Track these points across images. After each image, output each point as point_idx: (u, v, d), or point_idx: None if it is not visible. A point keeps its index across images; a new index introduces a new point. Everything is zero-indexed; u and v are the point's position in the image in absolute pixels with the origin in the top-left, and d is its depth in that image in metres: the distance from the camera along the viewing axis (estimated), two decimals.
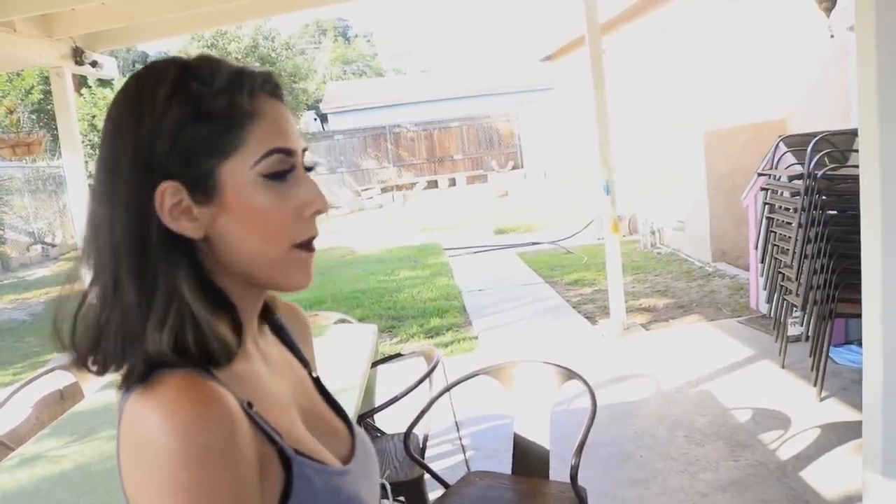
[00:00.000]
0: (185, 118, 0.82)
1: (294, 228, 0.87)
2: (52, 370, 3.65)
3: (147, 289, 0.80)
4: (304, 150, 0.92)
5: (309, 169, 0.92)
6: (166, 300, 0.80)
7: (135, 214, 0.81)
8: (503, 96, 26.48)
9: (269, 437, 0.83)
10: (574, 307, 7.45)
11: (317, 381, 1.09)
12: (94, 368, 0.83)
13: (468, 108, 26.15)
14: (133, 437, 0.76)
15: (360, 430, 1.07)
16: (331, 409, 1.06)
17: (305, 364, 1.08)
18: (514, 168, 24.42)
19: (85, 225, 0.85)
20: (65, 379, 3.56)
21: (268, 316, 1.04)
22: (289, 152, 0.87)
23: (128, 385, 0.79)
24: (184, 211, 0.83)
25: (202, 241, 0.85)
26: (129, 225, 0.81)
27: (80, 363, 0.83)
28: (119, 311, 0.80)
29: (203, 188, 0.83)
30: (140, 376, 0.78)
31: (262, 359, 0.95)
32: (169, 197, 0.81)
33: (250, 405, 0.83)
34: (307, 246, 0.89)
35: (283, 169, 0.86)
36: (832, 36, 5.15)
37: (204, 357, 0.81)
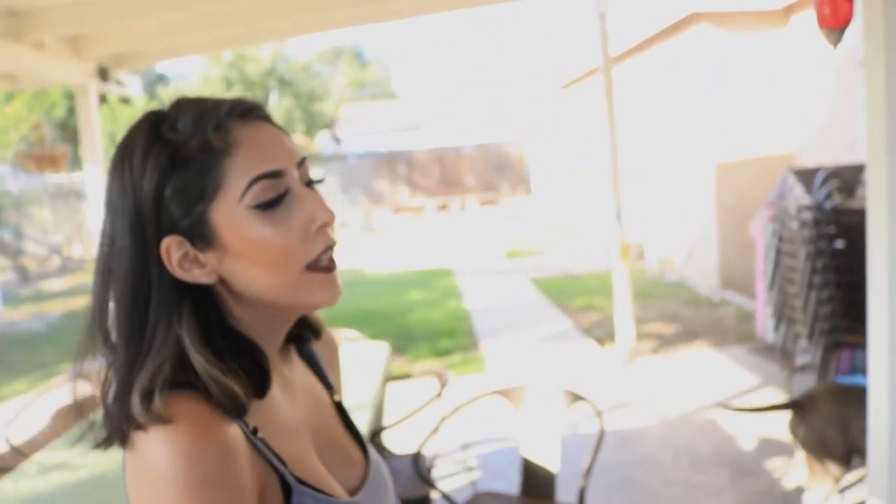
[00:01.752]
0: (163, 172, 0.81)
1: (302, 249, 0.83)
2: (69, 380, 3.72)
3: (143, 348, 0.81)
4: (302, 161, 0.87)
5: (313, 182, 0.89)
6: (164, 358, 0.80)
7: (132, 281, 0.82)
8: (514, 122, 26.66)
9: (272, 465, 0.82)
10: (582, 332, 7.49)
11: (338, 406, 1.07)
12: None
13: (479, 132, 26.34)
14: (136, 457, 0.76)
15: (376, 459, 1.05)
16: (349, 436, 1.05)
17: (329, 388, 1.07)
18: (524, 193, 24.53)
19: (93, 286, 0.86)
20: (81, 389, 3.63)
21: (297, 339, 1.02)
22: (275, 174, 0.83)
23: (112, 440, 0.80)
24: (192, 261, 0.82)
25: (218, 284, 0.85)
26: (126, 293, 0.82)
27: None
28: (115, 370, 0.82)
29: (200, 235, 0.82)
30: (122, 438, 0.78)
31: (281, 383, 0.94)
32: (175, 251, 0.82)
33: (255, 431, 0.83)
34: (323, 266, 0.85)
35: (273, 195, 0.83)
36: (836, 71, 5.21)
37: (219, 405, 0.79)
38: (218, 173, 0.81)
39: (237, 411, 0.80)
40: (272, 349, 0.91)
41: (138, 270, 0.82)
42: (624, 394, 5.44)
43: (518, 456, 2.88)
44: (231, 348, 0.84)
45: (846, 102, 6.91)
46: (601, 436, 2.67)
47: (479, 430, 4.65)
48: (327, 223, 0.85)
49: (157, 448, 0.74)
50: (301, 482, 0.84)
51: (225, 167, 0.82)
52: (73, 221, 19.09)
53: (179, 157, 0.81)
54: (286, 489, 0.83)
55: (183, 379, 0.79)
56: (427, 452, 3.00)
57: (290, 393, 0.95)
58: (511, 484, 3.07)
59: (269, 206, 0.82)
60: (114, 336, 0.83)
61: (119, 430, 0.78)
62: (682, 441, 4.48)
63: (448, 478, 4.14)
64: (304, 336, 1.02)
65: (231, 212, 0.82)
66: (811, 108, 7.74)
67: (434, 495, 2.93)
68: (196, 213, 0.82)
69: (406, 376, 3.82)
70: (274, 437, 0.85)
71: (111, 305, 0.84)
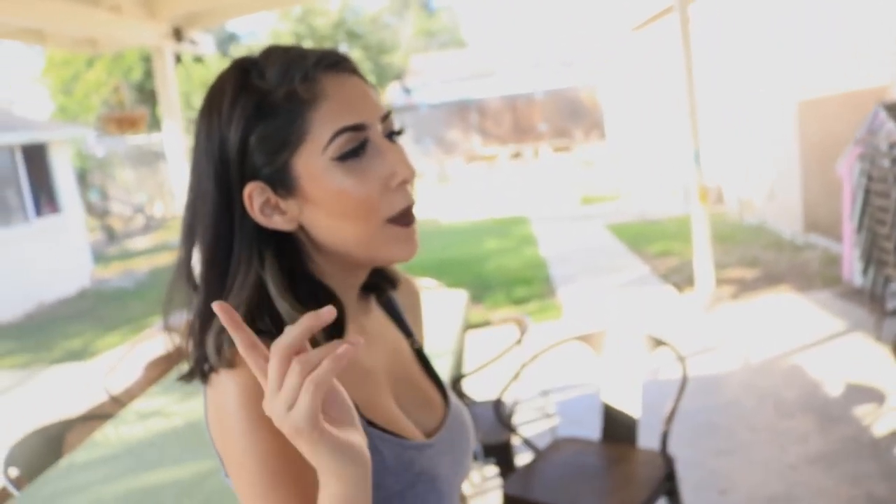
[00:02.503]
0: (249, 120, 0.82)
1: (383, 203, 0.85)
2: (159, 332, 3.88)
3: (224, 291, 0.84)
4: (386, 116, 0.88)
5: (395, 134, 0.89)
6: (249, 302, 0.83)
7: (214, 225, 0.85)
8: (586, 66, 26.11)
9: None
10: (660, 277, 7.39)
11: (418, 352, 1.09)
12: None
13: (551, 78, 25.89)
14: (211, 396, 0.81)
15: (456, 403, 1.06)
16: (429, 380, 1.06)
17: (409, 334, 1.08)
18: (598, 138, 24.13)
19: (181, 231, 0.89)
20: (172, 340, 3.77)
21: (376, 288, 1.03)
22: (358, 127, 0.84)
23: (193, 377, 0.84)
24: (274, 207, 0.84)
25: (299, 231, 0.87)
26: (209, 237, 0.85)
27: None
28: (196, 312, 0.85)
29: (282, 183, 0.84)
30: (202, 375, 0.82)
31: (358, 330, 0.96)
32: (257, 197, 0.84)
33: None
34: (402, 219, 0.87)
35: (354, 147, 0.83)
36: None
37: None
38: (302, 123, 0.82)
39: None
40: (349, 297, 0.93)
41: (221, 214, 0.84)
42: (705, 339, 5.37)
43: (598, 402, 2.87)
44: (309, 295, 0.86)
45: None
46: (684, 381, 2.64)
47: (559, 376, 4.67)
48: (407, 180, 0.86)
49: (224, 389, 0.79)
50: (372, 424, 0.87)
51: (310, 118, 0.82)
52: (155, 181, 19.69)
53: (267, 105, 0.82)
54: None
55: (258, 326, 0.82)
56: (507, 399, 3.03)
57: (366, 339, 0.96)
58: (590, 430, 3.07)
59: (351, 158, 0.83)
60: (198, 278, 0.86)
61: (198, 368, 0.83)
62: (767, 386, 4.41)
63: (528, 424, 4.18)
64: (381, 286, 1.03)
65: (314, 162, 0.83)
66: None
67: (515, 441, 2.97)
68: (280, 161, 0.83)
69: (485, 324, 3.85)
70: (347, 380, 0.86)
71: (200, 243, 0.87)
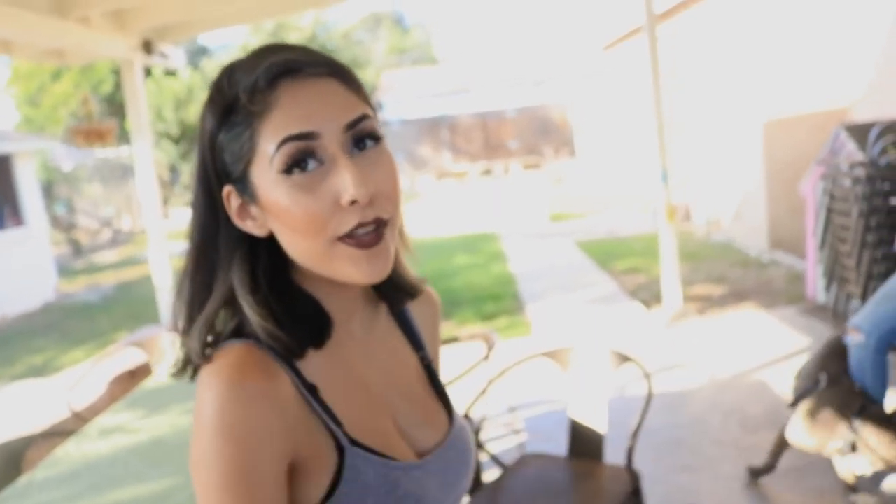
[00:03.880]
0: (214, 128, 0.82)
1: (333, 220, 0.79)
2: (125, 347, 3.83)
3: (205, 288, 0.85)
4: (353, 123, 0.81)
5: (369, 139, 0.83)
6: (219, 300, 0.84)
7: (201, 220, 0.86)
8: (557, 84, 26.35)
9: (327, 425, 0.83)
10: (629, 294, 7.44)
11: (428, 368, 1.04)
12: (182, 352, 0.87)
13: (522, 95, 26.08)
14: (196, 395, 0.80)
15: (461, 424, 1.01)
16: (436, 398, 1.02)
17: (420, 348, 1.04)
18: (568, 155, 24.33)
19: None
20: (136, 357, 3.74)
21: (391, 294, 0.99)
22: (304, 136, 0.78)
23: (184, 369, 0.86)
24: (247, 212, 0.84)
25: (273, 237, 0.85)
26: (197, 231, 0.86)
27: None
28: (183, 303, 0.86)
29: (246, 190, 0.83)
30: (197, 359, 0.83)
31: (357, 341, 0.93)
32: (233, 199, 0.84)
33: (314, 389, 0.84)
34: (354, 239, 0.81)
35: (299, 158, 0.78)
36: None
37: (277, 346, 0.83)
38: (252, 135, 0.80)
39: (286, 355, 0.83)
40: (338, 306, 0.89)
41: (207, 213, 0.86)
42: (671, 356, 5.41)
43: (565, 418, 2.89)
44: (285, 299, 0.86)
45: None
46: (649, 397, 2.66)
47: (527, 392, 4.68)
48: (357, 199, 0.79)
49: (203, 388, 0.79)
50: (356, 443, 0.85)
51: (260, 129, 0.80)
52: (122, 195, 19.50)
53: (230, 113, 0.82)
54: (341, 450, 0.83)
55: (247, 329, 0.83)
56: (475, 415, 3.03)
57: (366, 352, 0.94)
58: (558, 446, 3.08)
59: (298, 171, 0.79)
60: (186, 265, 0.87)
61: (187, 361, 0.85)
62: (732, 402, 4.45)
63: (496, 440, 4.18)
64: (397, 295, 1.00)
65: (265, 174, 0.80)
66: (863, 62, 7.51)
67: (482, 457, 2.97)
68: (240, 170, 0.82)
69: (453, 339, 3.85)
70: (337, 396, 0.86)
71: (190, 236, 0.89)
